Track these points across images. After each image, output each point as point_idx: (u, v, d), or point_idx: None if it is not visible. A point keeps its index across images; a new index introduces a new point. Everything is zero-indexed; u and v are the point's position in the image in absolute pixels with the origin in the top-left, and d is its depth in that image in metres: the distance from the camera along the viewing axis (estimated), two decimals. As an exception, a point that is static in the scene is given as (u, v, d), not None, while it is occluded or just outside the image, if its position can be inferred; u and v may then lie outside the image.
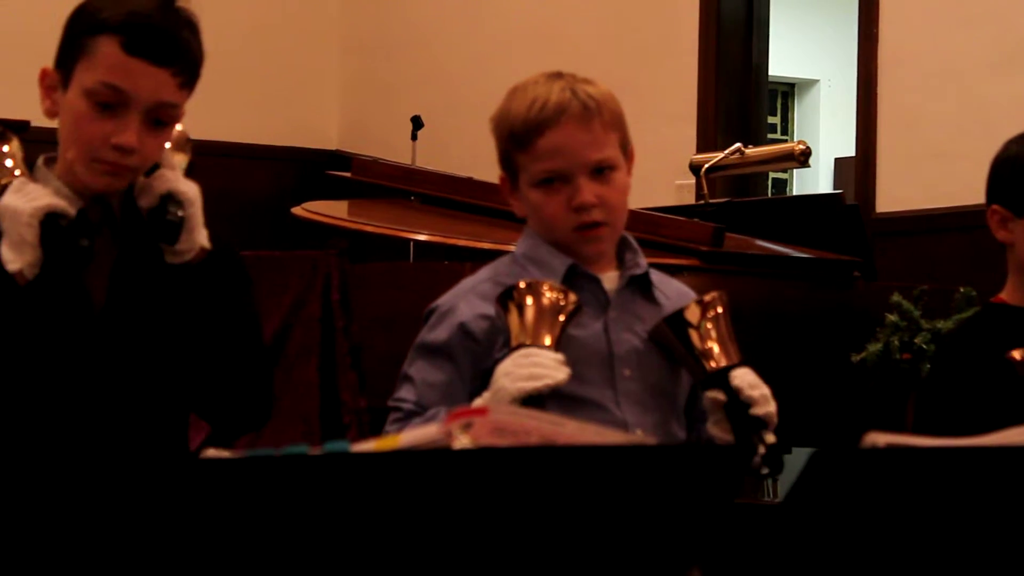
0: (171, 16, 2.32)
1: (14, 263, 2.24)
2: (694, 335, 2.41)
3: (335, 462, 1.39)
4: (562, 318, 2.35)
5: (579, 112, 2.44)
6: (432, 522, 1.41)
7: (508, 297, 2.36)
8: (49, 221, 2.25)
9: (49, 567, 1.39)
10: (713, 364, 2.39)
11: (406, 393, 2.48)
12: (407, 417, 2.44)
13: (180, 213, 2.30)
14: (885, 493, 1.60)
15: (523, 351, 2.31)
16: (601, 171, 2.45)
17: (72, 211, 2.27)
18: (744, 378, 2.37)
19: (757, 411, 2.35)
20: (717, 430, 2.39)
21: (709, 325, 2.40)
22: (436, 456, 1.44)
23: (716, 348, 2.40)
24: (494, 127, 2.53)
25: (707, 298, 2.43)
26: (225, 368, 2.38)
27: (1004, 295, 3.02)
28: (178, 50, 2.31)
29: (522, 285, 2.36)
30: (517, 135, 2.46)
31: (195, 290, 2.34)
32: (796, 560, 1.64)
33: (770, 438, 2.34)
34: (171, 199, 2.30)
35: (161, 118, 2.32)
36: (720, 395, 2.37)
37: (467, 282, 2.54)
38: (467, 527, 1.43)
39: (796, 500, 1.61)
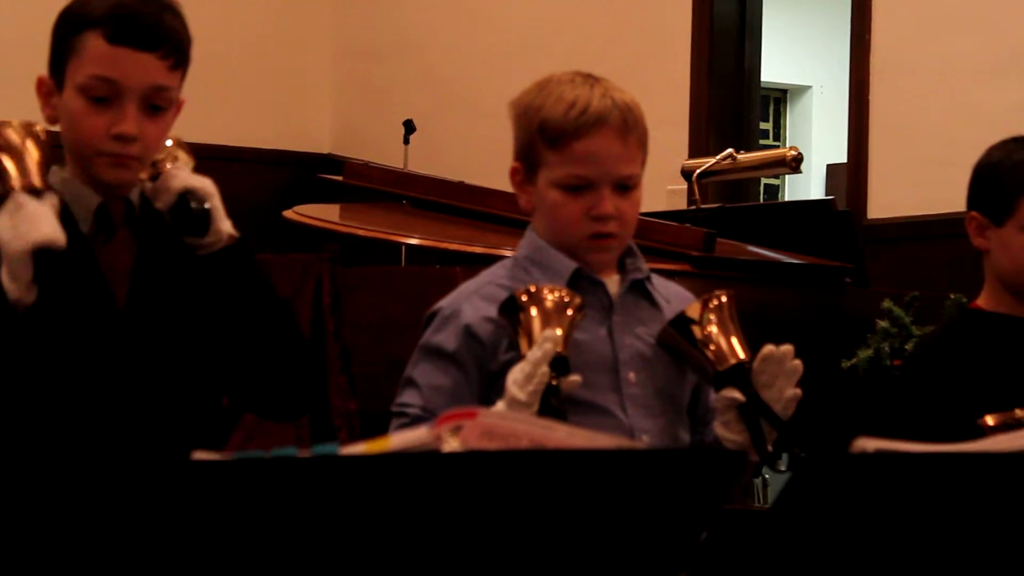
0: (151, 3, 2.35)
1: (12, 292, 2.23)
2: (700, 335, 2.40)
3: (324, 464, 1.39)
4: (570, 312, 2.34)
5: (619, 124, 2.45)
6: (421, 525, 1.41)
7: (512, 307, 2.35)
8: (42, 253, 2.21)
9: (42, 566, 1.39)
10: (723, 362, 2.38)
11: (411, 398, 2.46)
12: (414, 423, 2.39)
13: (205, 205, 2.33)
14: (874, 498, 1.60)
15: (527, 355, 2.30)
16: (624, 186, 2.46)
17: (63, 240, 2.22)
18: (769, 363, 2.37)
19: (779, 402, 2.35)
20: (726, 431, 2.37)
21: (713, 323, 2.40)
22: (425, 459, 1.44)
23: (724, 345, 2.39)
24: (517, 115, 2.51)
25: (711, 297, 2.43)
26: (268, 350, 2.40)
27: (980, 301, 3.02)
28: (161, 33, 2.33)
29: (523, 293, 2.35)
30: (550, 132, 2.45)
31: (229, 275, 2.36)
32: (785, 565, 1.64)
33: (771, 433, 2.34)
34: (190, 194, 2.33)
35: (157, 103, 2.35)
36: (737, 394, 2.36)
37: (468, 285, 2.53)
38: (456, 530, 1.43)
39: (786, 505, 1.61)
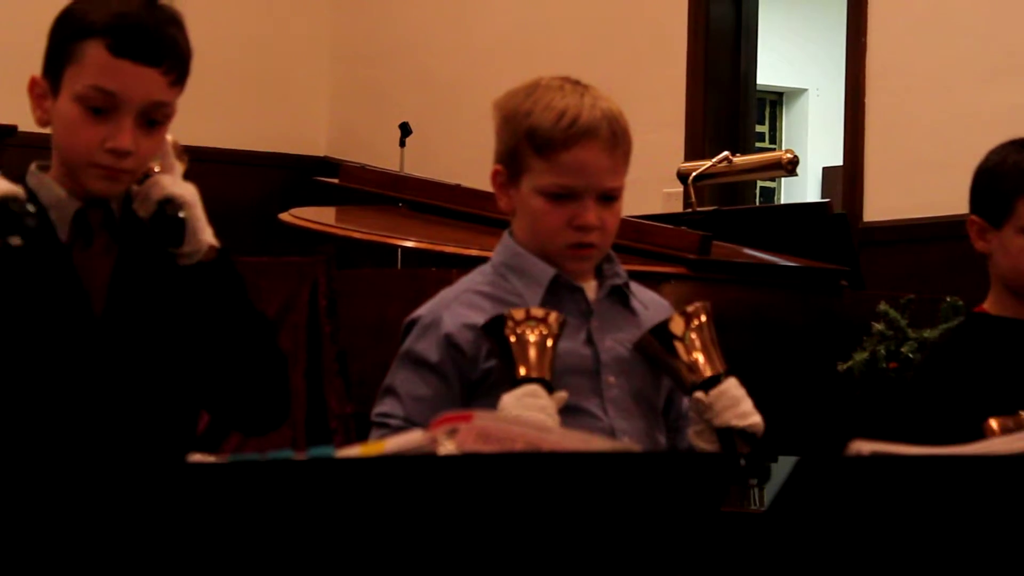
0: (156, 14, 2.31)
1: None
2: (679, 346, 2.43)
3: (320, 467, 1.39)
4: (550, 343, 2.35)
5: (608, 137, 2.45)
6: (417, 527, 1.41)
7: (500, 327, 2.35)
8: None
9: (37, 569, 1.38)
10: (699, 374, 2.40)
11: (392, 407, 2.46)
12: (395, 433, 2.38)
13: (180, 215, 2.29)
14: (869, 501, 1.60)
15: (528, 389, 2.31)
16: (608, 197, 2.46)
17: (23, 196, 2.19)
18: (723, 397, 2.38)
19: (738, 423, 2.37)
20: (699, 440, 2.40)
21: (694, 335, 2.42)
22: (421, 462, 1.44)
23: (701, 358, 2.41)
24: (504, 117, 2.50)
25: (691, 308, 2.44)
26: (242, 366, 2.37)
27: (986, 305, 3.03)
28: (165, 48, 2.29)
29: (511, 315, 2.35)
30: (538, 141, 2.44)
31: (207, 289, 2.33)
32: (781, 568, 1.65)
33: (743, 448, 2.36)
34: (169, 203, 2.29)
35: (154, 118, 2.30)
36: (703, 396, 2.39)
37: (447, 293, 2.53)
38: (452, 533, 1.43)
39: (781, 508, 1.61)
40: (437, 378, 2.44)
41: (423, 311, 2.51)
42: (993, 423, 2.60)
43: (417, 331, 2.48)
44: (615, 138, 2.46)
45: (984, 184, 2.99)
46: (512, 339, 2.33)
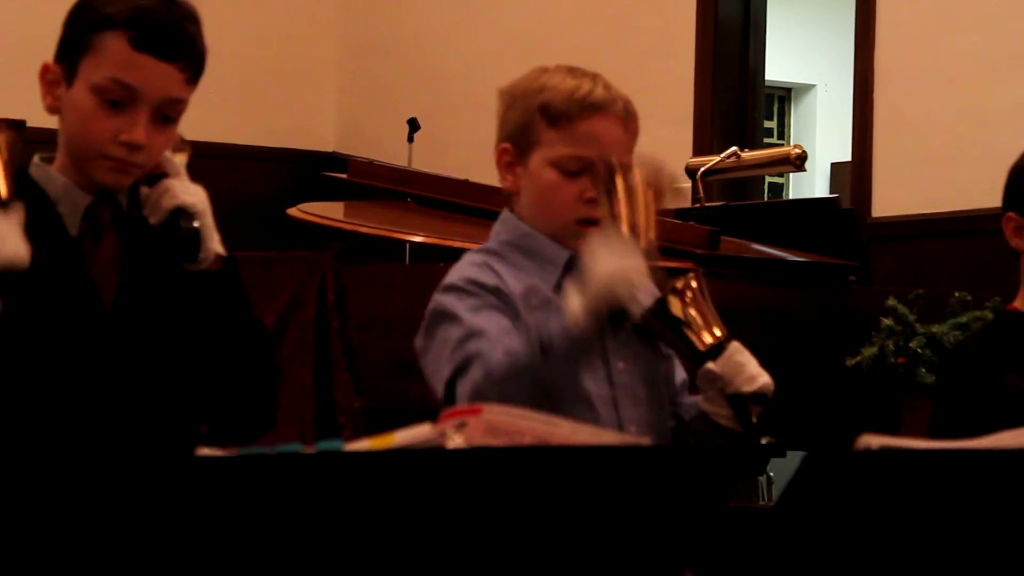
0: (176, 10, 2.31)
1: None
2: (680, 320, 2.42)
3: (329, 460, 1.39)
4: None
5: (621, 113, 2.46)
6: (425, 521, 1.41)
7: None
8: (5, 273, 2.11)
9: (45, 563, 1.39)
10: (704, 343, 2.40)
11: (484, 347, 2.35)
12: (481, 358, 2.31)
13: (195, 225, 2.27)
14: (878, 495, 1.60)
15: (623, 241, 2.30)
16: None
17: (26, 260, 2.11)
18: (729, 364, 2.37)
19: (748, 388, 2.36)
20: (711, 405, 2.39)
21: (692, 309, 2.41)
22: (430, 455, 1.44)
23: (703, 326, 2.41)
24: (513, 97, 2.50)
25: (680, 283, 2.43)
26: (233, 377, 2.37)
27: (1018, 303, 3.01)
28: (185, 44, 2.30)
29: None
30: (554, 111, 2.44)
31: (208, 297, 2.33)
32: (789, 562, 1.65)
33: (756, 411, 2.36)
34: (181, 213, 2.27)
35: (168, 114, 2.30)
36: (714, 365, 2.38)
37: (470, 259, 2.50)
38: (460, 526, 1.43)
39: (790, 502, 1.61)
40: (512, 310, 2.40)
41: (455, 278, 2.45)
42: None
43: (473, 277, 2.44)
44: (628, 115, 2.47)
45: (1021, 182, 2.98)
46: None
